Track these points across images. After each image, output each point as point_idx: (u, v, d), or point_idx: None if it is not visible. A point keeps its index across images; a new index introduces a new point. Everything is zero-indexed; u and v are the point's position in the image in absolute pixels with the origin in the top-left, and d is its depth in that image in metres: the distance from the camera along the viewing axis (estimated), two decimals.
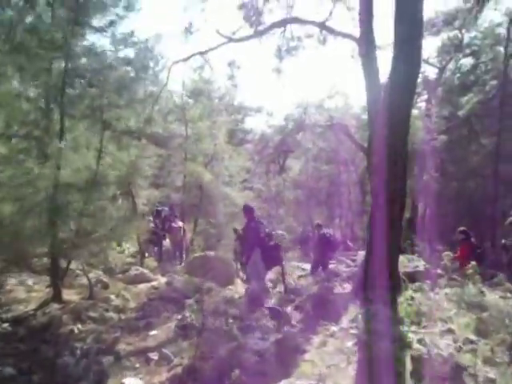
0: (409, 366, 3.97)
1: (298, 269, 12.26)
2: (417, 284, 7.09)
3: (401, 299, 6.58)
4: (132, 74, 7.22)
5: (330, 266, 11.77)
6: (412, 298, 6.44)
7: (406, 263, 7.86)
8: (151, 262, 12.85)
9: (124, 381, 3.57)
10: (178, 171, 17.55)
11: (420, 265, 7.66)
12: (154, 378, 4.00)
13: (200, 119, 16.84)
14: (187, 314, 5.37)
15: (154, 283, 8.55)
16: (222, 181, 18.30)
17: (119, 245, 12.95)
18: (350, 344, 4.52)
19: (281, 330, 4.81)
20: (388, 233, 6.96)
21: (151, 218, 14.27)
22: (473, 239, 8.30)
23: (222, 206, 17.36)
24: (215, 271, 10.17)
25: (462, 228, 8.94)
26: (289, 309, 6.98)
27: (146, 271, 10.33)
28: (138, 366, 4.32)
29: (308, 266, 12.64)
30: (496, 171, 15.58)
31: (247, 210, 7.84)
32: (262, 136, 15.95)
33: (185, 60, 12.34)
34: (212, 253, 10.80)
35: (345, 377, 3.88)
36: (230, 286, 9.89)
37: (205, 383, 3.39)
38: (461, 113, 16.13)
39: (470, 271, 5.45)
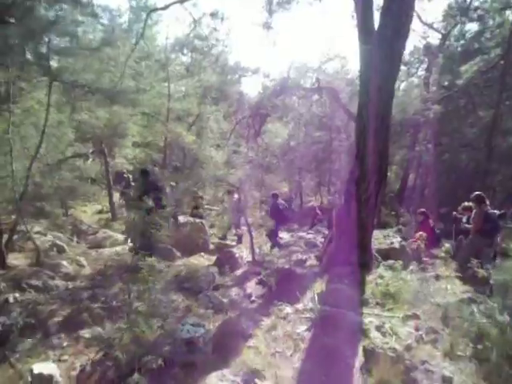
0: (361, 358, 3.61)
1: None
2: (390, 262, 6.71)
3: (370, 278, 6.24)
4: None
5: (308, 237, 11.45)
6: (382, 277, 6.08)
7: (382, 240, 7.47)
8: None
9: (33, 367, 3.15)
10: (160, 131, 16.73)
11: (396, 241, 7.26)
12: (78, 360, 3.59)
13: (183, 76, 15.80)
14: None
15: (118, 248, 8.11)
16: (207, 143, 17.56)
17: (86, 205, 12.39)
18: (302, 329, 4.14)
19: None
20: (361, 208, 6.52)
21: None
22: (431, 221, 8.49)
23: (206, 170, 16.75)
24: (187, 238, 9.79)
25: (421, 209, 9.08)
26: (252, 283, 6.62)
27: (115, 235, 9.91)
28: (65, 345, 3.91)
29: (287, 235, 12.33)
30: (490, 144, 14.98)
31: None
32: (240, 97, 15.05)
33: (163, 9, 11.26)
34: (186, 219, 10.31)
35: (288, 367, 3.51)
36: (201, 253, 9.56)
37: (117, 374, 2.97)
38: (459, 82, 15.27)
39: (443, 254, 5.00)
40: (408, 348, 3.92)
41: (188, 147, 16.13)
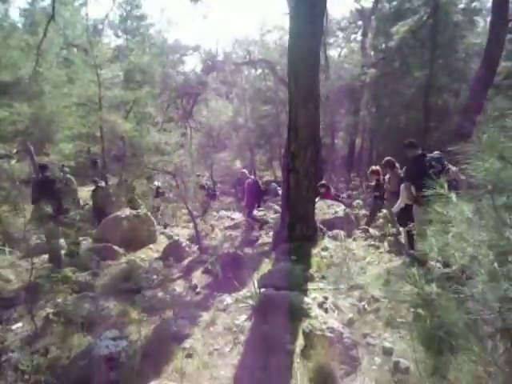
0: (301, 342, 3.44)
1: (227, 219, 11.67)
2: (335, 232, 6.66)
3: (315, 251, 6.14)
4: None
5: (259, 214, 11.28)
6: (326, 249, 6.00)
7: (326, 209, 7.39)
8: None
9: None
10: (95, 122, 15.56)
11: (340, 210, 7.22)
12: None
13: (112, 60, 14.63)
14: (59, 300, 4.46)
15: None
16: (147, 129, 16.63)
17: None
18: (242, 319, 3.91)
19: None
20: (300, 180, 6.35)
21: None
22: (333, 190, 8.87)
23: (150, 157, 15.96)
24: (131, 232, 9.25)
25: (321, 182, 9.26)
26: (198, 272, 6.32)
27: None
28: None
29: (238, 215, 12.08)
30: (426, 104, 15.40)
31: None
32: (165, 77, 14.16)
33: None
34: (128, 212, 9.69)
35: (226, 365, 3.27)
36: (149, 246, 9.11)
37: None
38: (392, 44, 15.41)
39: (381, 220, 4.94)
40: (350, 322, 3.83)
41: (127, 136, 15.22)
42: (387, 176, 6.54)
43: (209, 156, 20.38)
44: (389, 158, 6.54)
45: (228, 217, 11.95)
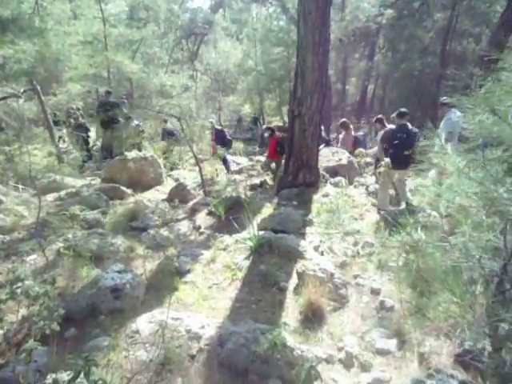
0: (295, 281, 3.67)
1: (232, 163, 11.74)
2: (337, 179, 6.73)
3: (316, 197, 6.27)
4: None
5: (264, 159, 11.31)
6: (327, 195, 6.12)
7: (330, 157, 7.40)
8: (71, 165, 11.66)
9: None
10: (100, 62, 15.11)
11: (344, 157, 7.22)
12: (9, 318, 3.47)
13: None
14: (69, 236, 4.71)
15: (62, 193, 7.71)
16: (154, 71, 16.15)
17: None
18: (240, 258, 4.14)
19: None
20: (305, 127, 6.30)
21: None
22: (277, 133, 8.69)
23: (157, 99, 15.71)
24: (138, 174, 9.43)
25: (267, 125, 9.63)
26: (203, 214, 6.54)
27: (59, 178, 9.37)
28: None
29: (243, 160, 12.15)
30: (444, 48, 14.60)
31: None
32: (170, 15, 13.27)
33: None
34: (134, 154, 9.79)
35: (224, 298, 3.53)
36: (156, 187, 9.33)
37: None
38: None
39: (382, 169, 4.97)
40: (343, 264, 4.04)
41: (135, 77, 14.88)
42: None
43: (216, 100, 19.95)
44: (343, 119, 6.98)
45: (233, 161, 12.01)
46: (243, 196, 6.89)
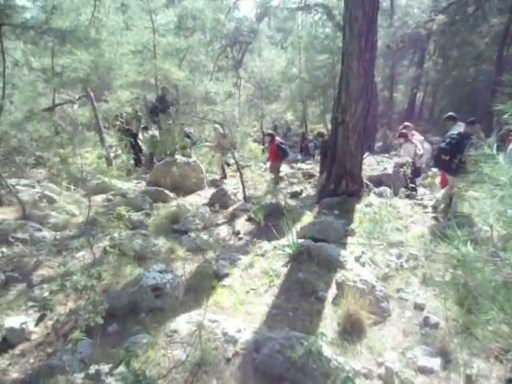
0: (334, 291, 3.58)
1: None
2: (381, 189, 6.52)
3: (359, 206, 6.11)
4: None
5: (306, 167, 11.24)
6: (370, 205, 5.95)
7: (375, 166, 7.20)
8: (119, 168, 12.21)
9: (5, 321, 3.23)
10: (149, 70, 15.79)
11: (389, 167, 6.99)
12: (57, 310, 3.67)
13: (166, 6, 14.45)
14: (115, 235, 4.93)
15: (110, 194, 8.10)
16: (200, 78, 16.59)
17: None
18: (278, 265, 4.11)
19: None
20: (349, 135, 6.19)
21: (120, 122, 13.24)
22: (278, 138, 9.14)
23: (201, 106, 16.11)
24: (181, 178, 9.70)
25: (268, 131, 9.90)
26: (242, 220, 6.58)
27: (109, 180, 9.86)
28: (46, 295, 4.00)
29: (285, 168, 12.13)
30: (501, 54, 13.76)
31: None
32: (216, 23, 13.46)
33: None
34: (178, 158, 10.09)
35: (260, 303, 3.52)
36: (198, 192, 9.54)
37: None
38: None
39: (429, 179, 4.76)
40: (385, 277, 3.89)
41: (181, 84, 15.37)
42: None
43: (259, 107, 20.15)
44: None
45: None
46: (283, 203, 6.87)
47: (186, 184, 9.72)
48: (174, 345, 2.80)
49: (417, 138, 7.79)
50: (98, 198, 8.03)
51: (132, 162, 12.22)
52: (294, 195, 8.37)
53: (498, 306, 2.19)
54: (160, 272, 3.47)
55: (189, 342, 2.77)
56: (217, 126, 8.89)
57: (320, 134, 8.62)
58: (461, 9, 13.98)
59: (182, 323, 2.97)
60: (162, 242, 4.91)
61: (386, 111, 18.22)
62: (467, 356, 2.60)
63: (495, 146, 2.10)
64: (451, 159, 4.89)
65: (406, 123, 8.26)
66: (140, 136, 13.69)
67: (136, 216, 6.53)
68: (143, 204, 7.46)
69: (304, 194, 8.61)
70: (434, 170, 5.44)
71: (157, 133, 12.02)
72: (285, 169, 11.93)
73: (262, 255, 4.45)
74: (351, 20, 5.57)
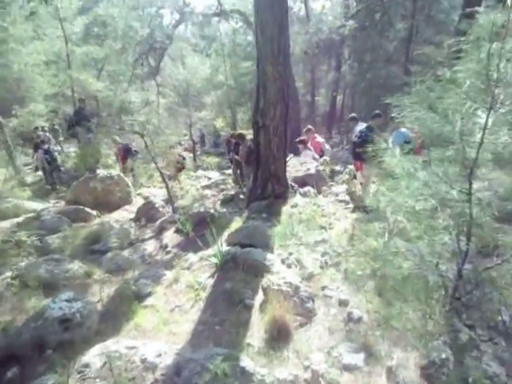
0: (261, 297, 3.51)
1: (204, 178, 11.56)
2: (306, 189, 6.67)
3: (285, 208, 6.17)
4: None
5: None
6: (296, 206, 6.03)
7: (299, 167, 7.35)
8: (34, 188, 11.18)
9: None
10: (63, 81, 14.74)
11: (312, 167, 7.18)
12: None
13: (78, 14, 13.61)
14: (22, 264, 4.40)
15: (20, 219, 7.31)
16: (121, 88, 15.85)
17: None
18: (204, 277, 3.95)
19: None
20: (270, 138, 6.23)
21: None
22: (249, 143, 8.30)
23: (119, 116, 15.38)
24: (105, 194, 9.11)
25: (236, 133, 9.22)
26: (170, 232, 6.31)
27: (20, 202, 8.93)
28: None
29: (215, 175, 12.00)
30: (407, 57, 15.04)
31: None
32: (128, 30, 13.00)
33: None
34: (100, 173, 9.47)
35: (186, 321, 3.32)
36: (125, 207, 9.02)
37: None
38: None
39: (346, 177, 4.93)
40: (310, 276, 3.91)
41: (101, 95, 14.56)
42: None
43: (186, 115, 19.86)
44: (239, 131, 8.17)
45: (205, 176, 11.85)
46: (212, 211, 6.72)
47: (110, 200, 9.14)
48: (85, 381, 2.51)
49: (318, 140, 8.51)
50: (7, 224, 7.20)
51: (49, 179, 11.26)
52: (225, 201, 8.26)
53: (409, 296, 2.26)
54: (68, 301, 3.12)
55: (103, 375, 2.51)
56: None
57: (233, 136, 8.72)
58: (369, 15, 15.03)
59: (95, 355, 2.68)
60: (77, 266, 4.48)
61: (309, 114, 18.93)
62: (388, 348, 2.66)
63: (390, 140, 2.17)
64: (363, 151, 5.22)
65: (309, 126, 8.88)
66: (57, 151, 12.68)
67: (50, 239, 5.94)
68: (60, 225, 6.84)
69: (234, 200, 8.55)
70: (350, 167, 5.74)
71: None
72: (215, 175, 11.80)
73: (188, 268, 4.26)
74: (262, 24, 5.62)
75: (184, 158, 11.75)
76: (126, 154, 10.77)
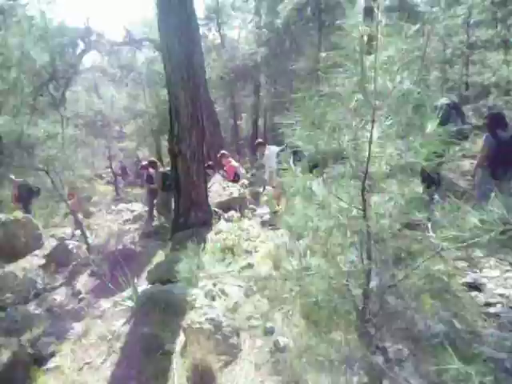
0: (182, 339, 3.22)
1: (126, 211, 10.89)
2: (230, 213, 6.54)
3: (210, 235, 5.96)
4: None
5: None
6: (220, 232, 5.86)
7: (221, 191, 7.23)
8: None
9: None
10: None
11: (235, 190, 7.11)
12: None
13: None
14: None
15: None
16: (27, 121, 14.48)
17: None
18: (119, 324, 3.54)
19: None
20: (189, 165, 6.06)
21: None
22: (163, 169, 8.40)
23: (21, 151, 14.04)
24: (7, 239, 8.07)
25: (147, 161, 9.11)
26: (85, 275, 5.72)
27: None
28: None
29: (138, 207, 11.38)
30: (318, 80, 16.03)
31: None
32: (23, 59, 12.18)
33: None
34: (3, 217, 8.41)
35: (97, 379, 2.90)
36: (35, 252, 8.05)
37: None
38: (279, 22, 15.54)
39: (265, 198, 4.91)
40: (235, 307, 3.71)
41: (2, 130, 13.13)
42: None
43: (106, 146, 18.95)
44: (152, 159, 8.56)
45: (128, 209, 11.17)
46: (133, 247, 6.27)
47: (16, 245, 8.11)
48: None
49: (233, 164, 8.62)
50: None
51: None
52: (148, 234, 7.81)
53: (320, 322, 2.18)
54: None
55: None
56: None
57: (144, 166, 8.53)
58: (280, 43, 15.84)
59: None
60: None
61: (233, 139, 19.15)
62: (314, 376, 2.54)
63: (291, 158, 2.10)
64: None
65: (223, 152, 9.01)
66: None
67: None
68: None
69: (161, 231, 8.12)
70: (269, 188, 5.81)
71: None
72: (138, 207, 11.19)
73: (100, 316, 3.81)
74: (168, 50, 5.51)
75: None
76: (25, 193, 9.55)
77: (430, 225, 1.54)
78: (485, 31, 13.51)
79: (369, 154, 1.42)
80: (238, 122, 20.82)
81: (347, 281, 1.86)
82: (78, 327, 3.65)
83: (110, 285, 4.46)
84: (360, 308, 1.70)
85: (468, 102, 13.71)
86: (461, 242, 1.42)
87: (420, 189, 2.03)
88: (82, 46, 10.66)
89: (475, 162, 5.40)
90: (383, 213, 1.86)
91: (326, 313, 1.90)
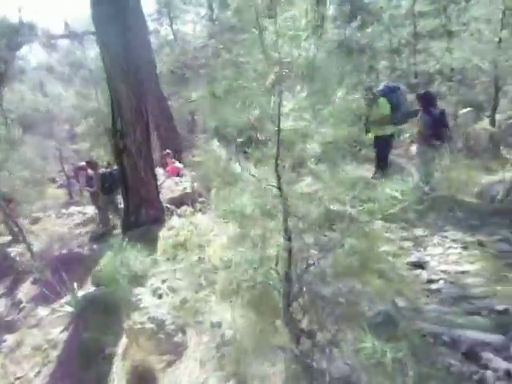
0: (124, 340, 3.05)
1: (78, 215, 10.36)
2: (183, 208, 6.37)
3: (162, 233, 5.77)
4: None
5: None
6: (172, 228, 5.68)
7: (174, 187, 7.03)
8: None
9: None
10: None
11: (188, 185, 6.93)
12: None
13: None
14: None
15: None
16: None
17: None
18: (56, 332, 3.31)
19: None
20: (136, 161, 5.81)
21: None
22: (102, 170, 8.11)
23: None
24: None
25: (84, 162, 8.71)
26: (28, 284, 5.36)
27: None
28: None
29: (90, 209, 10.87)
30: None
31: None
32: None
33: None
34: None
35: None
36: None
37: None
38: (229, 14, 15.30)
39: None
40: (182, 303, 3.58)
41: None
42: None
43: (56, 148, 18.03)
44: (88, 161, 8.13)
45: (79, 212, 10.63)
46: (80, 250, 5.96)
47: None
48: None
49: (177, 165, 8.52)
50: None
51: None
52: (97, 237, 7.45)
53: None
54: None
55: None
56: None
57: (82, 167, 8.16)
58: (231, 35, 15.61)
59: None
60: None
61: (190, 134, 18.81)
62: (257, 366, 2.46)
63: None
64: None
65: (168, 151, 8.89)
66: None
67: None
68: None
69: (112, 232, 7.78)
70: None
71: None
72: (90, 210, 10.69)
73: (37, 325, 3.55)
74: (106, 44, 5.21)
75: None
76: None
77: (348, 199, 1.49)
78: (431, 21, 14.02)
79: (278, 127, 1.34)
80: (195, 117, 20.44)
81: (276, 265, 1.79)
82: (10, 339, 3.37)
83: (47, 291, 4.18)
84: (282, 292, 1.62)
85: (418, 89, 14.21)
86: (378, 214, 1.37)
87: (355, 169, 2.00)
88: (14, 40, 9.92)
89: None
90: (309, 192, 1.80)
91: (255, 300, 1.82)
